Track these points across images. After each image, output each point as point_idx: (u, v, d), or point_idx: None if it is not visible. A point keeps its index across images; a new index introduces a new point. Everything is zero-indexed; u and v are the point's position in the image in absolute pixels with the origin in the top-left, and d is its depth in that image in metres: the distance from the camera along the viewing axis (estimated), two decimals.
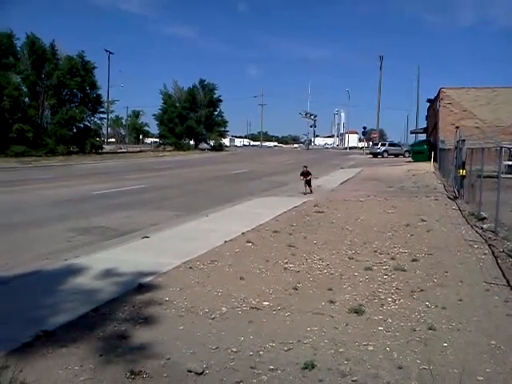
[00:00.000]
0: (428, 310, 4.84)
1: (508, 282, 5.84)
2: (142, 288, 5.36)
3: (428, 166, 29.14)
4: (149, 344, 3.89)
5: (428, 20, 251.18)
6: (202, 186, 18.70)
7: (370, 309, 4.83)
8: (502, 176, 9.42)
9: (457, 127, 23.31)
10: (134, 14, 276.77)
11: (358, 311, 4.71)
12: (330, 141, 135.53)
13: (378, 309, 4.84)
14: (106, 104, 56.74)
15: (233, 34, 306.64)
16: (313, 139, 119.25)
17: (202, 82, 75.61)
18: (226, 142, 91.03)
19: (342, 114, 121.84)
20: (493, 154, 11.62)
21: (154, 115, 77.08)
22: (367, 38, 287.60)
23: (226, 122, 79.59)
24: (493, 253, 7.37)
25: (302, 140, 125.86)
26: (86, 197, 14.56)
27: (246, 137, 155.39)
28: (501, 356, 3.79)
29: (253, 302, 5.00)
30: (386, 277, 5.99)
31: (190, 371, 3.45)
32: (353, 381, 3.38)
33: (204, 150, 71.75)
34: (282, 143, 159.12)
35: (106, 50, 66.69)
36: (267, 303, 4.96)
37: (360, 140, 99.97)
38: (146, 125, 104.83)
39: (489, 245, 7.93)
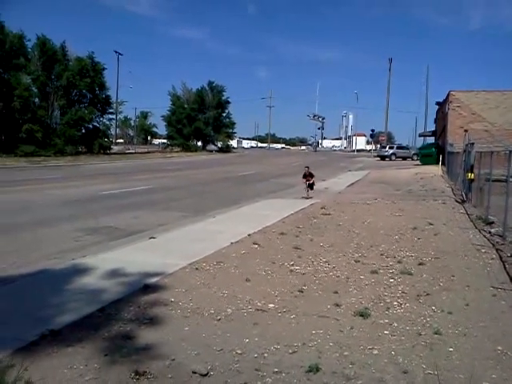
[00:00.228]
0: (434, 314, 4.81)
1: None
2: (148, 288, 5.38)
3: (436, 170, 29.01)
4: (154, 345, 3.90)
5: (437, 22, 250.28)
6: (209, 188, 18.74)
7: (376, 312, 4.81)
8: (511, 180, 9.34)
9: (465, 130, 23.22)
10: (144, 16, 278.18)
11: (363, 314, 4.69)
12: (337, 143, 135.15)
13: (384, 312, 4.82)
14: (114, 105, 57.14)
15: (242, 36, 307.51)
16: (320, 141, 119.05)
17: (210, 83, 75.82)
18: (233, 143, 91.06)
19: (350, 117, 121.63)
20: (502, 158, 11.51)
21: (162, 116, 77.50)
22: (376, 40, 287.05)
23: (234, 123, 79.72)
24: (500, 257, 7.32)
25: (310, 142, 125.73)
26: (93, 197, 14.64)
27: (253, 138, 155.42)
28: (507, 362, 3.76)
29: (258, 303, 4.99)
30: (392, 280, 5.97)
31: (194, 372, 3.45)
32: None
33: (212, 151, 71.88)
34: (289, 145, 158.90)
35: (116, 52, 67.19)
36: (272, 305, 4.95)
37: (368, 142, 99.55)
38: (155, 126, 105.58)
39: (496, 249, 7.87)
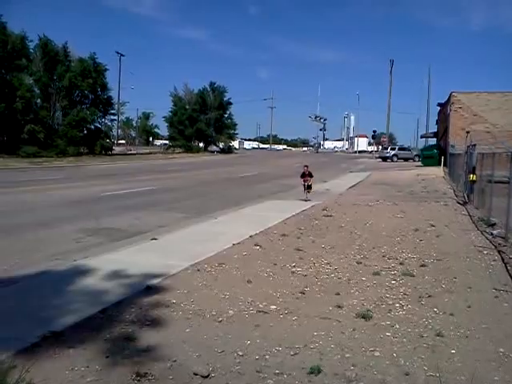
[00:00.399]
0: (436, 316, 4.81)
1: None
2: (150, 290, 5.38)
3: (438, 171, 28.99)
4: (155, 346, 3.90)
5: (439, 24, 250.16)
6: (211, 189, 18.74)
7: (378, 314, 4.80)
8: None
9: (467, 132, 23.21)
10: (146, 17, 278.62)
11: (365, 316, 4.68)
12: (339, 144, 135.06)
13: (386, 314, 4.82)
14: (116, 106, 57.24)
15: (244, 36, 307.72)
16: (322, 143, 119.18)
17: (212, 84, 75.85)
18: (235, 144, 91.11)
19: (352, 118, 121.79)
20: (504, 159, 11.49)
21: (164, 117, 77.60)
22: (378, 41, 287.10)
23: (236, 124, 79.74)
24: (502, 259, 7.30)
25: (312, 143, 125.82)
26: (95, 198, 14.65)
27: (255, 139, 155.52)
28: (509, 364, 3.75)
29: (260, 305, 4.99)
30: (394, 282, 5.96)
31: (195, 374, 3.45)
32: None
33: (213, 152, 71.99)
34: (291, 146, 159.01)
35: (117, 52, 67.47)
36: (274, 307, 4.95)
37: (369, 144, 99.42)
38: (156, 127, 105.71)
39: (498, 251, 7.86)
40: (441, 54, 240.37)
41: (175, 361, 3.66)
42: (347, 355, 3.84)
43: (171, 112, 75.25)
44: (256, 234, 8.85)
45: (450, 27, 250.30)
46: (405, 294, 5.48)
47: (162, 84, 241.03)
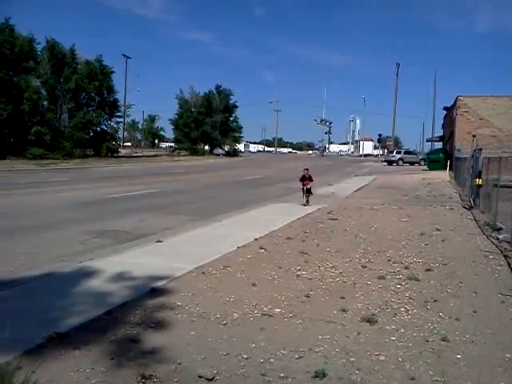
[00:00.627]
0: (441, 320, 4.79)
1: None
2: (155, 292, 5.39)
3: (443, 175, 28.89)
4: (160, 348, 3.91)
5: (445, 27, 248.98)
6: (216, 192, 18.77)
7: (383, 318, 4.79)
8: None
9: (473, 136, 23.13)
10: (152, 19, 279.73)
11: (370, 320, 4.67)
12: (344, 148, 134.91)
13: (391, 318, 4.80)
14: (122, 108, 57.46)
15: (249, 39, 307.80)
16: (327, 146, 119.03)
17: (218, 87, 76.07)
18: (240, 147, 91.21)
19: (358, 121, 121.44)
20: (510, 164, 11.47)
21: (169, 120, 77.76)
22: (384, 44, 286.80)
23: (241, 127, 79.83)
24: (508, 264, 7.26)
25: (317, 147, 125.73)
26: (101, 200, 14.70)
27: (260, 142, 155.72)
28: None
29: (265, 308, 4.99)
30: (399, 286, 5.94)
31: (200, 377, 3.45)
32: None
33: (219, 155, 72.05)
34: (296, 149, 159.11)
35: (124, 55, 67.82)
36: (279, 310, 4.95)
37: (375, 147, 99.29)
38: (162, 129, 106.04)
39: (504, 256, 7.81)
40: (447, 57, 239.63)
41: (180, 363, 3.66)
42: (352, 359, 3.83)
43: (177, 114, 75.50)
44: (261, 237, 8.85)
45: (456, 30, 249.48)
46: (410, 299, 5.46)
47: (167, 86, 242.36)
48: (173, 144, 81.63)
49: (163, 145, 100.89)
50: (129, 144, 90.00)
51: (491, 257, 7.75)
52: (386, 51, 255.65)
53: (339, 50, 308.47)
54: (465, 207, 14.48)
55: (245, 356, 3.83)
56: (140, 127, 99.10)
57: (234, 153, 77.04)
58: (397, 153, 55.19)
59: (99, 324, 4.42)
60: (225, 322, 4.58)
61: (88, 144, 47.36)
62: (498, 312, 5.12)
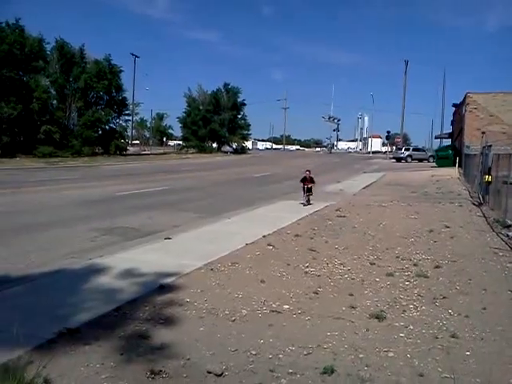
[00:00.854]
0: (450, 317, 4.77)
1: None
2: (163, 289, 5.42)
3: (452, 172, 28.69)
4: (169, 344, 3.93)
5: (453, 25, 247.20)
6: (225, 189, 18.80)
7: (392, 315, 4.78)
8: None
9: (483, 132, 22.87)
10: (159, 19, 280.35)
11: (378, 317, 4.66)
12: (353, 145, 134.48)
13: (400, 315, 4.79)
14: (131, 106, 57.70)
15: (257, 37, 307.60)
16: (336, 143, 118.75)
17: (226, 85, 75.99)
18: (248, 145, 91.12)
19: (366, 118, 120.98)
20: None
21: (177, 118, 77.81)
22: (392, 42, 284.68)
23: (249, 125, 79.67)
24: None
25: (325, 144, 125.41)
26: (110, 197, 14.79)
27: (268, 140, 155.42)
28: None
29: (273, 305, 5.00)
30: (407, 283, 5.92)
31: (209, 372, 3.47)
32: None
33: (227, 152, 72.13)
34: (304, 147, 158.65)
35: (132, 54, 67.96)
36: (287, 307, 4.95)
37: (383, 144, 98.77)
38: (170, 127, 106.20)
39: None
40: (456, 55, 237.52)
41: (189, 359, 3.68)
42: (361, 355, 3.83)
43: (185, 113, 75.64)
44: (269, 234, 8.86)
45: (464, 28, 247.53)
46: (419, 296, 5.44)
47: (175, 85, 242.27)
48: (181, 142, 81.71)
49: (171, 143, 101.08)
50: (137, 142, 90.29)
51: (501, 254, 7.69)
52: (392, 49, 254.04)
53: (346, 48, 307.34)
54: (474, 204, 14.37)
55: (253, 352, 3.84)
56: (148, 125, 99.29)
57: (242, 150, 76.99)
58: (405, 150, 54.94)
59: (109, 320, 4.45)
60: (233, 318, 4.59)
61: (97, 142, 47.66)
62: (507, 309, 5.08)
